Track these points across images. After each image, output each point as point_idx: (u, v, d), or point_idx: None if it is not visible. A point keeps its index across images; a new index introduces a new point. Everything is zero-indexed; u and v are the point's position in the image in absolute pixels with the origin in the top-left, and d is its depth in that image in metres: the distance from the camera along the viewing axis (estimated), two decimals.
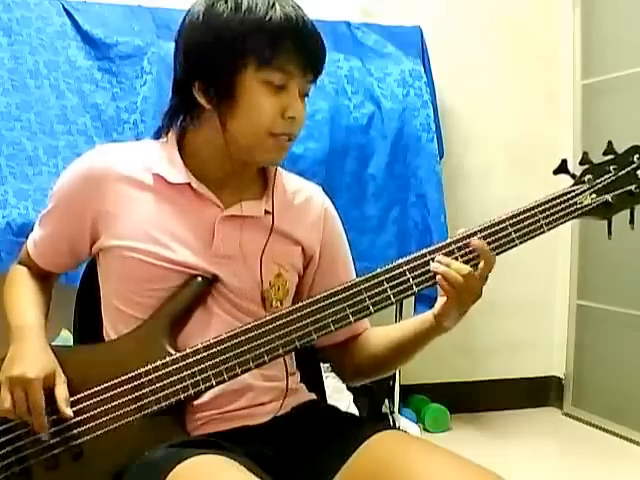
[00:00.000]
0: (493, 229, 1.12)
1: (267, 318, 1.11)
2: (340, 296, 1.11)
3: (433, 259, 1.11)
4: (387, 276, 1.11)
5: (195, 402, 1.13)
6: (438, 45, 2.97)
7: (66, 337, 2.14)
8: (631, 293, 2.96)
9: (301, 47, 1.12)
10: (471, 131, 3.19)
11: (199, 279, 1.16)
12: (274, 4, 1.11)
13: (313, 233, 1.28)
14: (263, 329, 1.11)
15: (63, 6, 2.49)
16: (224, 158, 1.18)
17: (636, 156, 1.14)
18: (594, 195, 1.14)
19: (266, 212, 1.21)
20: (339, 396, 2.61)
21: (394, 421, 2.81)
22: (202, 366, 1.10)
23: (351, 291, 1.11)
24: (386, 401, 2.87)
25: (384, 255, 2.67)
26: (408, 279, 1.11)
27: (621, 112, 3.02)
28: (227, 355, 1.10)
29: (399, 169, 2.75)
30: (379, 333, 1.29)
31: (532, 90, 3.28)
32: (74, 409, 1.11)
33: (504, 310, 3.20)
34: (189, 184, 1.17)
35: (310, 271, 1.29)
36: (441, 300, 1.14)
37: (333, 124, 2.65)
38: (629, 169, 1.14)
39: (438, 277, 1.10)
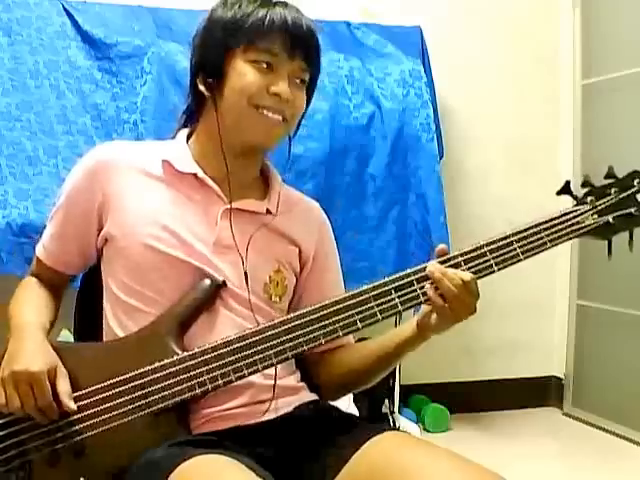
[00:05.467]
0: (499, 244, 1.14)
1: (275, 321, 1.13)
2: (349, 302, 1.12)
3: (414, 281, 1.12)
4: (395, 285, 1.13)
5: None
6: (438, 45, 2.96)
7: (66, 337, 2.14)
8: (631, 293, 2.95)
9: (287, 30, 1.17)
10: (471, 131, 3.19)
11: (207, 281, 1.17)
12: (274, 4, 1.19)
13: (310, 239, 1.31)
14: (271, 332, 1.12)
15: (63, 6, 2.49)
16: (226, 154, 1.21)
17: (636, 180, 1.17)
18: (596, 216, 1.17)
19: (268, 211, 1.25)
20: None
21: (394, 421, 2.81)
22: (209, 366, 1.11)
23: (359, 298, 1.13)
24: (386, 401, 2.86)
25: (383, 255, 2.67)
26: (416, 289, 1.13)
27: (621, 112, 3.02)
28: (234, 356, 1.11)
29: (399, 169, 2.74)
30: (357, 346, 1.32)
31: (532, 90, 3.28)
32: (77, 405, 1.11)
33: (504, 310, 3.19)
34: (195, 174, 1.21)
35: (302, 277, 1.31)
36: (426, 309, 1.15)
37: (333, 124, 2.64)
38: (630, 192, 1.17)
39: (427, 286, 1.11)
